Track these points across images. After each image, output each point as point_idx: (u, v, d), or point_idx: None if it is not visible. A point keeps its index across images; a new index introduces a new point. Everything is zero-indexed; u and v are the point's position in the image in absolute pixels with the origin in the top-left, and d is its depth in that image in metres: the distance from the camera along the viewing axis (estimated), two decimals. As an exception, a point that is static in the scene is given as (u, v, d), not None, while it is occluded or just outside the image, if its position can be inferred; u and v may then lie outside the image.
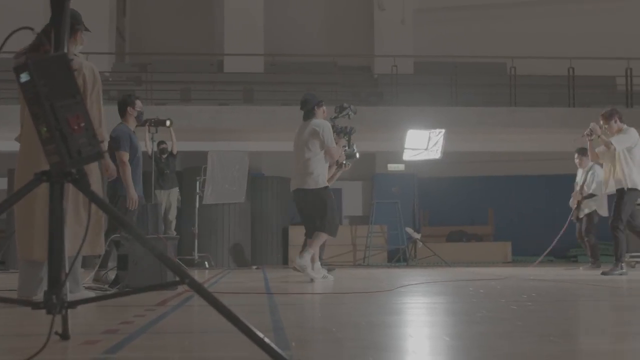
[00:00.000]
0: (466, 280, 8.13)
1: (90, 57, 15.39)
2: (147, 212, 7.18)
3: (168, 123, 10.34)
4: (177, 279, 2.56)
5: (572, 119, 16.25)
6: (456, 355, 2.75)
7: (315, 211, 8.09)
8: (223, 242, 15.50)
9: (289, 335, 3.25)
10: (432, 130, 14.20)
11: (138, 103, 7.78)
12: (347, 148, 8.89)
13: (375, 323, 3.98)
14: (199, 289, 2.50)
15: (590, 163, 11.65)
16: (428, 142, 14.16)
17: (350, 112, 8.97)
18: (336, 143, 8.33)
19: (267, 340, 2.35)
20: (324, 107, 8.42)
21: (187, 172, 15.57)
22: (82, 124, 2.56)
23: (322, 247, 8.59)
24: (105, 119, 5.53)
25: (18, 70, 2.55)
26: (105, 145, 5.69)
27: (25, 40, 3.14)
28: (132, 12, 21.53)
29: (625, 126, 9.57)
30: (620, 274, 9.04)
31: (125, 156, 7.39)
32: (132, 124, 7.69)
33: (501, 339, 3.14)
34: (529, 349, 2.82)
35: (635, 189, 9.27)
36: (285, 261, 16.34)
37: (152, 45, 19.98)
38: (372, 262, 15.68)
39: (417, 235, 15.81)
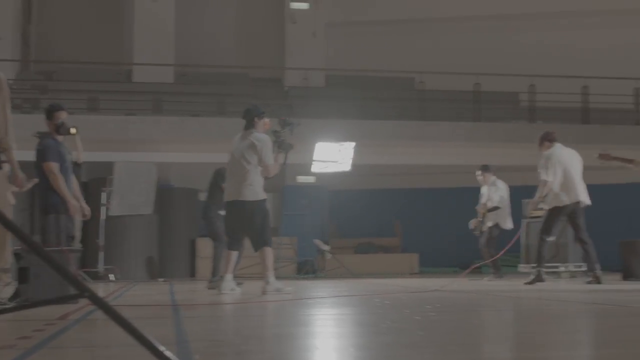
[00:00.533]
0: (373, 292, 8.20)
1: (-7, 64, 14.98)
2: (50, 224, 6.98)
3: (73, 131, 10.08)
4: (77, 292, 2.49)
5: (478, 133, 16.67)
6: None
7: (253, 224, 7.87)
8: (130, 254, 15.22)
9: (193, 348, 3.21)
10: (342, 143, 14.32)
11: (59, 115, 7.47)
12: (283, 165, 8.38)
13: (281, 335, 3.97)
14: (98, 302, 2.44)
15: (493, 178, 11.98)
16: (338, 155, 14.26)
17: (293, 127, 8.50)
18: (275, 159, 8.05)
19: (167, 353, 2.31)
20: (266, 119, 8.21)
21: (93, 183, 15.24)
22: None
23: (227, 261, 8.26)
24: (12, 127, 5.37)
25: None
26: (10, 154, 5.49)
27: None
28: (39, 18, 20.98)
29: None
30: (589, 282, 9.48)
31: (55, 167, 7.22)
32: (56, 135, 7.45)
33: (405, 349, 3.18)
34: (431, 359, 2.86)
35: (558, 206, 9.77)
36: (192, 273, 16.17)
37: (58, 53, 19.51)
38: (281, 273, 15.64)
39: (326, 247, 15.88)
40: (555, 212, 9.85)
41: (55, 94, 16.29)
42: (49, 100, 16.43)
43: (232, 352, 3.19)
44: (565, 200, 9.73)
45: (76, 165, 12.73)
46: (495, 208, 11.79)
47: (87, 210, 7.49)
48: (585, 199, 9.95)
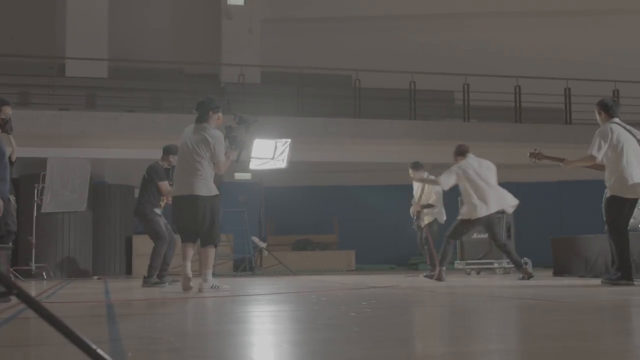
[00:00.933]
0: (310, 289, 8.22)
1: None
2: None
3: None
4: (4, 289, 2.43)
5: (413, 131, 16.85)
6: (295, 362, 2.77)
7: (202, 220, 7.67)
8: (62, 252, 14.95)
9: (126, 346, 3.17)
10: (279, 140, 14.31)
11: (5, 110, 7.37)
12: (236, 162, 8.22)
13: (217, 332, 3.95)
14: (27, 300, 2.39)
15: (426, 174, 12.13)
16: (274, 152, 14.25)
17: (249, 125, 8.14)
18: (227, 155, 7.80)
19: (99, 351, 2.28)
20: (220, 114, 7.91)
21: (25, 179, 14.92)
22: None
23: (186, 257, 7.99)
24: None
25: None
26: None
27: None
28: (-33, 9, 20.45)
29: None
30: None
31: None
32: None
33: (340, 345, 3.19)
34: (365, 354, 2.88)
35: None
36: (129, 271, 15.98)
37: (-12, 46, 19.05)
38: (217, 271, 15.56)
39: (263, 244, 15.85)
40: (467, 224, 10.01)
41: (-15, 88, 15.90)
42: (-21, 94, 16.05)
43: (166, 349, 3.16)
44: (481, 212, 9.87)
45: (10, 163, 12.47)
46: (430, 205, 11.93)
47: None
48: (499, 208, 10.14)
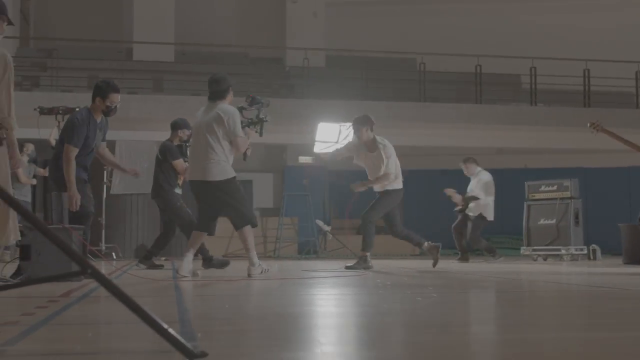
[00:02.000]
0: (375, 272, 8.23)
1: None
2: (52, 201, 6.98)
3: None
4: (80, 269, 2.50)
5: (479, 115, 16.66)
6: (362, 345, 2.78)
7: (226, 205, 7.22)
8: (131, 233, 15.26)
9: (195, 326, 3.22)
10: (343, 124, 14.29)
11: (110, 97, 7.31)
12: (260, 137, 7.87)
13: (282, 314, 3.98)
14: (101, 279, 2.46)
15: (478, 169, 12.04)
16: (339, 135, 14.23)
17: (262, 107, 7.86)
18: (246, 134, 7.41)
19: (171, 331, 2.32)
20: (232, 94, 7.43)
21: (95, 161, 15.17)
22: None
23: (198, 241, 7.60)
24: (13, 106, 5.37)
25: None
26: (10, 135, 5.45)
27: None
28: (38, -5, 20.92)
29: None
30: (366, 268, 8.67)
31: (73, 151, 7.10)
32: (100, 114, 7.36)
33: (404, 329, 3.20)
34: (431, 339, 2.87)
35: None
36: (195, 252, 16.18)
37: (58, 30, 19.44)
38: (282, 254, 15.71)
39: (327, 228, 15.90)
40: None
41: (56, 71, 16.27)
42: (49, 78, 16.43)
43: (234, 330, 3.21)
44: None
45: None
46: (474, 198, 11.86)
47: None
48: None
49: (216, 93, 7.30)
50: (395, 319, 3.66)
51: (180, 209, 9.29)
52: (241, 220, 7.26)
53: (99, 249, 13.74)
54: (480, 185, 11.86)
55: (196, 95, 16.25)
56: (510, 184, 14.78)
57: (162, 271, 8.87)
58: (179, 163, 9.31)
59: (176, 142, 9.54)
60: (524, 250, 12.82)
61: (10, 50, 17.71)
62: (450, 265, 10.67)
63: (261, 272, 7.30)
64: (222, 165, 7.11)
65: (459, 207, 12.09)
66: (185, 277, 7.00)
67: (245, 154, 7.73)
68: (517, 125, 16.66)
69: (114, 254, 13.84)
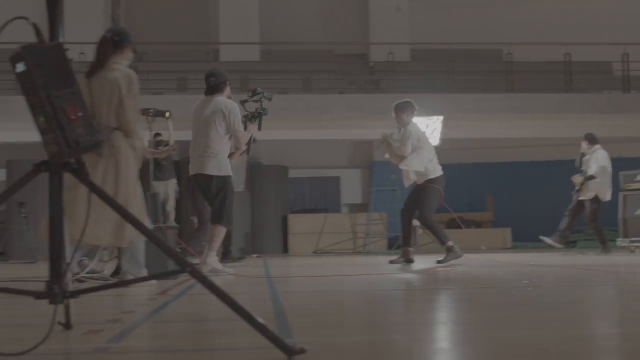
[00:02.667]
0: (466, 267, 8.14)
1: (85, 47, 15.39)
2: (147, 201, 7.12)
3: (167, 114, 10.21)
4: (178, 267, 2.55)
5: (568, 105, 16.26)
6: (458, 341, 2.76)
7: (214, 200, 7.18)
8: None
9: (291, 322, 3.25)
10: (430, 117, 14.19)
11: None
12: (259, 130, 7.80)
13: (374, 307, 3.98)
14: (200, 277, 2.50)
15: (597, 146, 11.66)
16: (426, 130, 14.14)
17: (263, 98, 7.91)
18: (245, 129, 7.41)
19: (269, 327, 2.35)
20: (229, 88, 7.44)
21: (186, 161, 15.51)
22: (80, 114, 2.55)
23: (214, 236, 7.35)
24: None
25: (14, 60, 2.53)
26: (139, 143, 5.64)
27: (20, 31, 3.12)
28: (127, 1, 21.44)
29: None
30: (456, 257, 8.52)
31: None
32: None
33: (501, 325, 3.15)
34: (530, 335, 2.82)
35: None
36: (285, 249, 16.34)
37: (147, 35, 19.89)
38: (371, 249, 15.69)
39: (417, 223, 15.78)
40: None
41: (146, 75, 16.63)
42: (140, 81, 16.78)
43: (329, 325, 3.22)
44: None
45: (167, 146, 13.01)
46: (591, 177, 11.49)
47: None
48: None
49: (213, 87, 7.34)
50: (492, 313, 3.61)
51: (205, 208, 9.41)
52: (221, 219, 7.15)
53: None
54: (595, 163, 11.49)
55: (283, 93, 16.38)
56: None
57: (253, 268, 8.97)
58: None
59: None
60: (620, 242, 12.44)
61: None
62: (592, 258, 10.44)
63: (210, 271, 6.83)
64: (219, 160, 7.10)
65: (577, 188, 11.71)
66: (224, 272, 7.01)
67: (248, 148, 8.03)
68: (609, 113, 16.18)
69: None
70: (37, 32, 2.59)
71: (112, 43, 5.54)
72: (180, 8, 20.75)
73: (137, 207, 5.32)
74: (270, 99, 7.97)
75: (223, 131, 7.05)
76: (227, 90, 7.33)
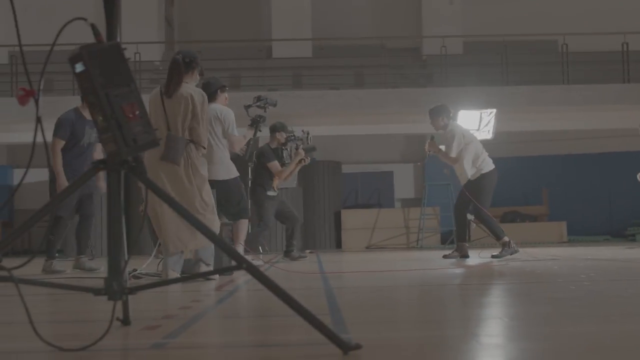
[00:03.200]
0: (522, 261, 8.05)
1: (140, 47, 15.58)
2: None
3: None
4: (234, 264, 2.57)
5: (627, 96, 15.94)
6: (515, 336, 2.73)
7: (230, 201, 7.32)
8: (276, 226, 15.55)
9: (346, 318, 3.25)
10: (484, 111, 14.04)
11: None
12: (251, 139, 8.13)
13: (429, 303, 3.97)
14: (256, 273, 2.52)
15: None
16: (480, 123, 14.00)
17: (267, 105, 8.27)
18: (246, 134, 7.68)
19: (324, 323, 2.36)
20: (226, 94, 7.58)
21: (239, 158, 15.61)
22: (137, 112, 2.59)
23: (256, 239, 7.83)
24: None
25: (73, 60, 2.58)
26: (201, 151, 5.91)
27: (79, 32, 3.18)
28: (180, 1, 21.67)
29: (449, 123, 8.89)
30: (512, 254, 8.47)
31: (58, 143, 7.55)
32: (84, 109, 7.67)
33: (561, 319, 3.11)
34: (590, 329, 2.78)
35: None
36: (338, 245, 16.37)
37: (200, 33, 20.09)
38: (425, 244, 15.62)
39: (471, 217, 15.65)
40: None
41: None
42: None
43: (384, 320, 3.22)
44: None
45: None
46: None
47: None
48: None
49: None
50: (550, 308, 3.56)
51: (265, 210, 9.67)
52: (240, 213, 7.48)
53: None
54: None
55: (335, 89, 16.39)
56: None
57: (306, 263, 9.00)
58: (274, 165, 9.60)
59: (274, 145, 9.80)
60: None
61: (157, 54, 18.47)
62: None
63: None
64: (225, 164, 7.28)
65: None
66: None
67: (303, 160, 9.16)
68: (670, 103, 15.84)
69: (260, 247, 14.16)
70: (95, 32, 2.63)
71: (183, 65, 5.86)
72: (233, 6, 20.89)
73: (211, 211, 5.81)
74: (274, 105, 8.34)
75: (222, 135, 7.23)
76: (222, 97, 7.42)
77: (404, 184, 19.05)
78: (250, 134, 7.85)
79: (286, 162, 9.74)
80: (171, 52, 20.28)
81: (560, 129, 17.43)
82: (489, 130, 13.35)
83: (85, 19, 2.63)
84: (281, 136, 9.79)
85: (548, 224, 16.87)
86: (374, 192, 18.74)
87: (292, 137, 9.68)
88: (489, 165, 8.88)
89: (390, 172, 18.94)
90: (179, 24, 21.67)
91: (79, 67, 2.56)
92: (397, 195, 18.89)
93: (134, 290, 2.67)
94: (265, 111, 8.16)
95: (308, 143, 9.73)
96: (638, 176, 11.54)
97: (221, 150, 7.24)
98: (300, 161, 9.60)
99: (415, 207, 16.61)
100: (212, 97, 7.25)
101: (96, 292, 2.61)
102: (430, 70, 18.00)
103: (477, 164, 8.82)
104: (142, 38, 16.62)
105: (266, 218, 9.67)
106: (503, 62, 16.75)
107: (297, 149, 9.65)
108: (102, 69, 2.56)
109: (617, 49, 16.54)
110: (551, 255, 9.16)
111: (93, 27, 2.63)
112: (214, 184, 6.99)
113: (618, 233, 17.14)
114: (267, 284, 2.48)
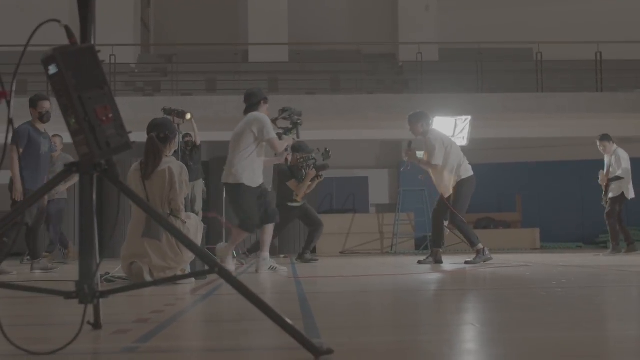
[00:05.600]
0: (495, 267, 8.10)
1: (115, 49, 15.47)
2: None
3: (188, 116, 10.29)
4: (207, 268, 2.57)
5: (599, 104, 16.12)
6: (486, 341, 2.75)
7: (232, 206, 7.88)
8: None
9: (318, 322, 3.25)
10: (458, 117, 14.14)
11: (42, 104, 8.12)
12: (295, 139, 8.53)
13: (402, 308, 3.98)
14: (228, 278, 2.52)
15: (615, 147, 11.59)
16: (454, 129, 14.10)
17: (293, 115, 8.60)
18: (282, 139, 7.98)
19: (296, 327, 2.36)
20: (267, 106, 7.90)
21: (215, 162, 15.59)
22: (110, 115, 2.58)
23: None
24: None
25: (46, 62, 2.56)
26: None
27: (53, 34, 3.16)
28: (157, 3, 21.59)
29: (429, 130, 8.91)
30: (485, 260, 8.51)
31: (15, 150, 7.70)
32: (36, 122, 8.14)
33: (531, 325, 3.13)
34: (560, 336, 2.80)
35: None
36: (313, 249, 16.34)
37: (177, 36, 20.04)
38: (399, 249, 15.66)
39: (445, 223, 15.72)
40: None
41: (175, 76, 16.74)
42: (170, 82, 16.95)
43: (357, 325, 3.23)
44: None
45: (195, 147, 13.10)
46: (618, 178, 11.40)
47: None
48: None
49: (249, 107, 7.79)
50: (521, 315, 3.59)
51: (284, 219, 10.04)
52: (268, 219, 7.77)
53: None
54: (620, 163, 11.40)
55: (311, 94, 16.40)
56: (636, 174, 14.22)
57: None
58: (292, 184, 10.52)
59: (292, 164, 10.37)
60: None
61: (133, 57, 18.37)
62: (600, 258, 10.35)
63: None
64: (237, 170, 7.54)
65: (604, 187, 11.57)
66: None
67: (318, 176, 10.12)
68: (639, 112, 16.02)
69: (234, 252, 14.12)
70: (69, 34, 2.62)
71: (159, 142, 5.98)
72: (210, 10, 20.86)
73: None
74: (300, 115, 8.62)
75: (248, 143, 7.55)
76: (264, 107, 7.79)
77: (379, 190, 19.10)
78: (288, 140, 8.17)
79: (303, 178, 10.49)
80: (147, 55, 20.29)
81: (534, 136, 17.57)
82: (463, 137, 13.45)
83: (59, 21, 2.62)
84: (295, 156, 10.31)
85: (521, 231, 16.98)
86: (349, 197, 18.78)
87: (303, 160, 10.33)
88: (467, 172, 8.91)
89: (365, 177, 18.99)
90: (155, 26, 21.59)
91: (52, 69, 2.55)
92: (372, 201, 18.93)
93: (106, 293, 2.65)
94: (291, 119, 8.53)
95: (324, 160, 10.46)
96: (599, 177, 11.66)
97: (240, 156, 7.52)
98: (314, 178, 10.46)
99: (389, 213, 16.64)
100: (254, 107, 7.69)
101: (67, 295, 2.59)
102: (406, 76, 18.07)
103: (457, 171, 8.83)
104: (118, 40, 16.52)
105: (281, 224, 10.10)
106: (478, 70, 16.86)
107: (309, 168, 10.38)
108: (76, 71, 2.54)
109: (591, 58, 16.72)
110: (524, 262, 9.22)
111: (67, 28, 2.62)
112: (225, 186, 7.71)
113: (590, 240, 17.31)
114: (239, 288, 2.48)
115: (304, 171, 10.52)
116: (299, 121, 8.46)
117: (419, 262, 8.88)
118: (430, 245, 9.09)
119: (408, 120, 9.05)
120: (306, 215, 10.87)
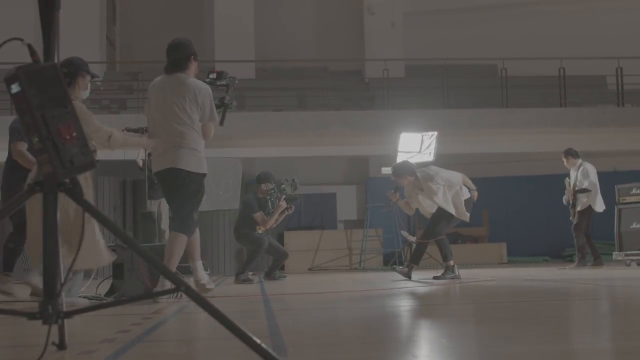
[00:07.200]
0: (463, 282, 8.13)
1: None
2: (141, 220, 7.14)
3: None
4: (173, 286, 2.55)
5: (564, 119, 16.32)
6: (454, 357, 2.75)
7: (183, 201, 5.93)
8: (219, 248, 15.47)
9: (286, 340, 3.24)
10: (425, 133, 14.20)
11: None
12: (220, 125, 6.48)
13: (371, 326, 3.98)
14: (194, 296, 2.50)
15: (580, 160, 11.73)
16: (421, 145, 14.14)
17: (230, 86, 6.53)
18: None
19: (264, 345, 2.35)
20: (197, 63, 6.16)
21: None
22: (74, 134, 2.56)
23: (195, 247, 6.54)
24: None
25: (9, 81, 2.54)
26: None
27: (16, 52, 3.14)
28: (122, 20, 21.50)
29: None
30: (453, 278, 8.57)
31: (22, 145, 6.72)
32: None
33: (498, 339, 3.15)
34: (525, 350, 2.82)
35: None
36: (281, 266, 16.31)
37: (142, 53, 19.95)
38: (367, 265, 15.67)
39: (413, 238, 15.75)
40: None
41: (142, 93, 16.66)
42: (136, 100, 16.85)
43: (324, 343, 3.22)
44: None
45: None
46: (585, 190, 11.52)
47: None
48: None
49: (176, 62, 6.11)
50: (488, 329, 3.61)
51: (258, 238, 10.28)
52: (182, 227, 6.26)
53: (187, 265, 13.96)
54: (587, 176, 11.52)
55: (278, 110, 16.42)
56: (601, 187, 14.44)
57: (248, 286, 8.96)
58: (258, 216, 10.26)
59: (259, 195, 10.39)
60: (616, 255, 12.45)
61: (98, 74, 18.23)
62: (566, 272, 10.43)
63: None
64: (198, 153, 5.85)
65: (570, 202, 11.68)
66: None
67: (287, 209, 9.85)
68: (604, 127, 16.24)
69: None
70: (32, 52, 2.60)
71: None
72: (175, 27, 20.78)
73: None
74: (236, 81, 6.67)
75: (197, 119, 5.89)
76: (194, 65, 6.24)
77: (347, 206, 19.11)
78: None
79: (270, 211, 10.27)
80: (113, 73, 20.15)
81: (500, 152, 17.71)
82: (430, 153, 13.51)
83: (21, 39, 2.60)
84: (266, 187, 10.23)
85: (488, 245, 17.09)
86: (317, 214, 18.76)
87: (273, 191, 10.17)
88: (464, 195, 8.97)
89: (333, 193, 19.01)
90: (121, 44, 21.49)
91: (15, 88, 2.53)
92: (340, 217, 18.93)
93: (70, 313, 2.62)
94: (227, 91, 6.57)
95: (292, 191, 10.26)
96: (563, 199, 11.81)
97: (192, 133, 5.89)
98: (283, 211, 10.26)
99: (357, 229, 16.67)
100: (182, 64, 6.13)
101: (30, 315, 2.56)
102: (372, 92, 18.17)
103: (453, 200, 8.86)
104: (83, 57, 16.38)
105: (260, 240, 10.26)
106: (444, 86, 17.00)
107: (279, 200, 10.16)
108: (39, 90, 2.52)
109: (554, 73, 16.94)
110: (491, 277, 9.27)
111: (29, 47, 2.60)
112: (181, 173, 5.84)
113: (556, 254, 17.46)
114: (205, 307, 2.47)
115: (271, 203, 10.28)
116: (231, 103, 6.45)
117: (435, 278, 8.69)
118: (443, 258, 8.91)
119: (393, 176, 9.02)
120: (271, 246, 10.59)
